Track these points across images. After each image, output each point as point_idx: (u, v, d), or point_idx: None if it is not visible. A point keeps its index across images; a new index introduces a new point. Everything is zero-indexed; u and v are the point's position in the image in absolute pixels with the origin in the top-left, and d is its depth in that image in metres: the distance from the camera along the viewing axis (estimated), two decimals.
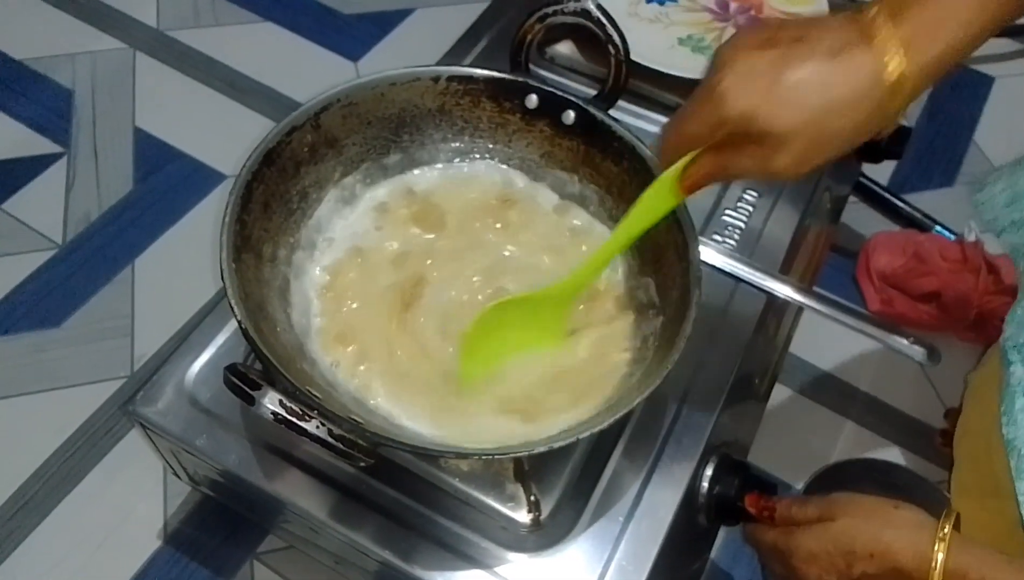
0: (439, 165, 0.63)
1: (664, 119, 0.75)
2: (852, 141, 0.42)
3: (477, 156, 0.63)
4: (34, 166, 0.97)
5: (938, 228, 0.96)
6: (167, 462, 0.64)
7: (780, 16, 0.75)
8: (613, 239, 0.52)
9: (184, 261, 0.90)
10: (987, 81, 1.14)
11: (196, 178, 0.97)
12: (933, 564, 0.47)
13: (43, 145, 0.99)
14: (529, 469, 0.55)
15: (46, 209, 0.94)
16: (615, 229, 0.52)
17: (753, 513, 0.57)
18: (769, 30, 0.42)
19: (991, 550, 0.49)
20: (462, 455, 0.52)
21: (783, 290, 0.64)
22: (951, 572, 0.47)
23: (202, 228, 0.93)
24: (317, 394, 0.47)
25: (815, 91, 0.40)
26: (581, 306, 0.57)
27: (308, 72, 1.07)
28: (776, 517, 0.56)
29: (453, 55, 0.78)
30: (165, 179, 0.97)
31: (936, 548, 0.47)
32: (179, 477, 0.67)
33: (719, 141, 0.43)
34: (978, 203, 0.67)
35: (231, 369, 0.45)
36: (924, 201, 0.99)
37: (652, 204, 0.49)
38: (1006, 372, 0.61)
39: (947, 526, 0.48)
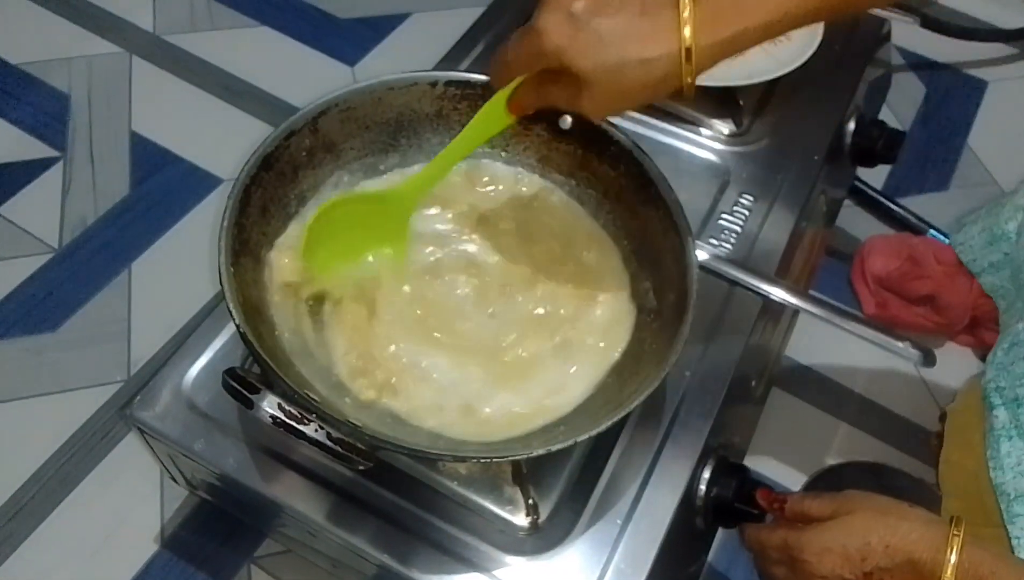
0: None
1: (661, 124, 0.76)
2: (647, 97, 0.46)
3: (474, 160, 0.63)
4: (30, 170, 0.97)
5: (932, 232, 0.96)
6: (164, 466, 0.64)
7: None
8: (450, 149, 0.55)
9: (180, 265, 0.90)
10: (981, 85, 1.15)
11: (192, 182, 0.97)
12: (948, 556, 0.47)
13: (39, 149, 0.99)
14: (527, 472, 0.55)
15: (42, 213, 0.93)
16: (454, 140, 0.55)
17: (763, 507, 0.57)
18: None
19: (998, 551, 0.49)
20: (460, 458, 0.53)
21: (779, 293, 0.65)
22: (964, 565, 0.47)
23: (198, 232, 0.93)
24: (315, 397, 0.47)
25: (615, 43, 0.44)
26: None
27: (304, 76, 1.07)
28: (787, 511, 0.56)
29: (449, 60, 0.78)
30: (161, 183, 0.97)
31: (950, 542, 0.47)
32: (176, 481, 0.67)
33: (540, 72, 0.48)
34: (957, 244, 0.68)
35: (229, 373, 0.45)
36: (918, 205, 1.00)
37: (486, 121, 0.53)
38: (989, 415, 0.61)
39: (960, 526, 0.48)
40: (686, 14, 0.43)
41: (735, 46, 0.44)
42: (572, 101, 0.47)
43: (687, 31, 0.43)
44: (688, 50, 0.43)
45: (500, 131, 0.54)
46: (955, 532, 0.48)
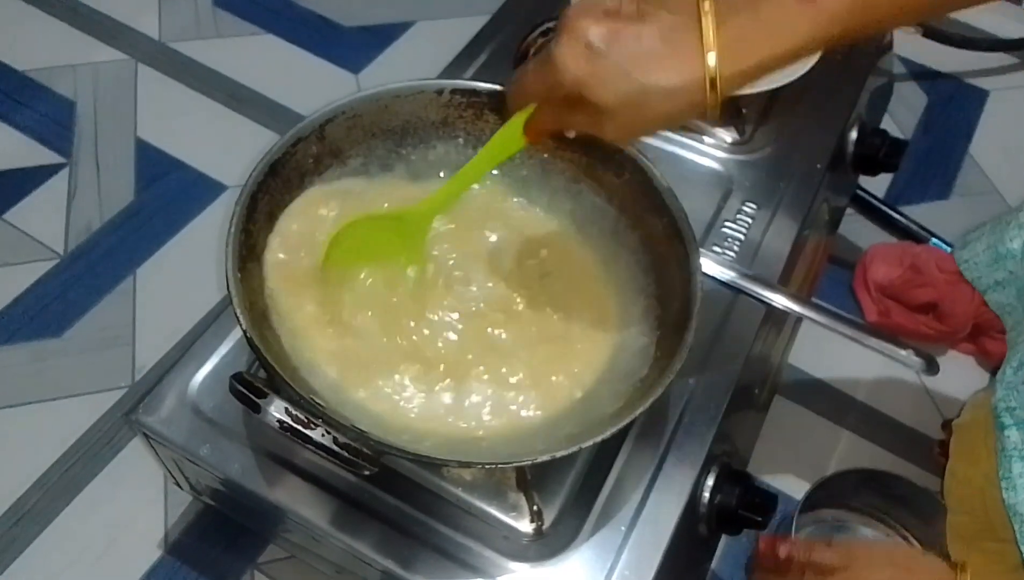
0: (441, 175, 0.63)
1: (664, 132, 0.76)
2: (671, 122, 0.45)
3: None
4: (36, 176, 0.97)
5: (934, 240, 0.97)
6: (169, 472, 0.64)
7: None
8: (464, 172, 0.55)
9: (185, 271, 0.91)
10: (982, 95, 1.15)
11: (197, 189, 0.97)
12: None
13: (45, 156, 0.99)
14: (532, 478, 0.55)
15: (48, 219, 0.94)
16: (468, 163, 0.55)
17: (768, 558, 0.56)
18: None
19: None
20: (465, 464, 0.53)
21: (782, 301, 0.65)
22: None
23: (203, 238, 0.93)
24: (321, 402, 0.47)
25: (636, 73, 0.42)
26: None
27: (309, 84, 1.08)
28: (794, 563, 0.55)
29: (454, 68, 0.79)
30: (166, 189, 0.97)
31: None
32: (180, 487, 0.67)
33: (558, 98, 0.46)
34: (961, 261, 0.68)
35: (237, 377, 0.46)
36: (920, 213, 1.00)
37: (501, 145, 0.53)
38: (1000, 435, 0.61)
39: (965, 574, 0.48)
40: (710, 39, 0.41)
41: (760, 71, 0.43)
42: (593, 128, 0.46)
43: (711, 58, 0.41)
44: (712, 80, 0.42)
45: (512, 154, 0.53)
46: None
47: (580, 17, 0.43)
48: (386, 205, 0.60)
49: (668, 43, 0.42)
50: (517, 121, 0.51)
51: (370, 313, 0.56)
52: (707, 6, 0.42)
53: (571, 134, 0.56)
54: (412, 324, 0.56)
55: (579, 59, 0.43)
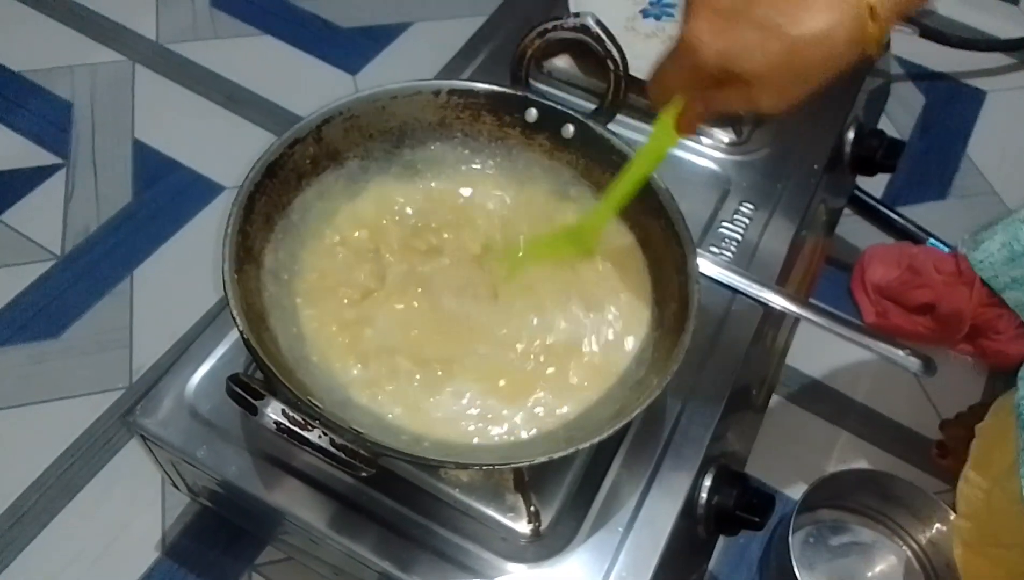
0: (434, 181, 0.63)
1: None
2: (829, 73, 0.40)
3: (477, 167, 0.63)
4: (33, 177, 0.97)
5: (932, 241, 0.97)
6: (166, 473, 0.64)
7: None
8: (625, 179, 0.54)
9: (182, 272, 0.91)
10: (979, 95, 1.16)
11: (195, 190, 0.97)
12: None
13: (42, 157, 0.99)
14: (529, 480, 0.55)
15: (45, 220, 0.94)
16: (625, 171, 0.54)
17: None
18: None
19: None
20: (462, 465, 0.53)
21: (780, 302, 0.65)
22: None
23: (201, 240, 0.93)
24: (318, 404, 0.47)
25: (785, 24, 0.38)
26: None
27: (307, 85, 1.08)
28: None
29: (451, 69, 0.79)
30: (164, 191, 0.97)
31: None
32: (178, 488, 0.67)
33: (704, 80, 0.42)
34: (976, 262, 0.67)
35: (234, 379, 0.46)
36: (918, 214, 1.00)
37: (657, 146, 0.52)
38: (1021, 433, 0.61)
39: None
40: None
41: None
42: (749, 103, 0.41)
43: None
44: (872, 6, 0.37)
45: (668, 152, 0.52)
46: None
47: None
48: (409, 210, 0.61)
49: None
50: (666, 119, 0.48)
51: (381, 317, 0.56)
52: None
53: (568, 134, 0.56)
54: (409, 328, 0.56)
55: (717, 30, 0.39)
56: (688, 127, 0.48)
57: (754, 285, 0.65)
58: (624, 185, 0.54)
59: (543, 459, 0.46)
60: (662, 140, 0.51)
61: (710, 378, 0.62)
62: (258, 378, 0.52)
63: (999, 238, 0.70)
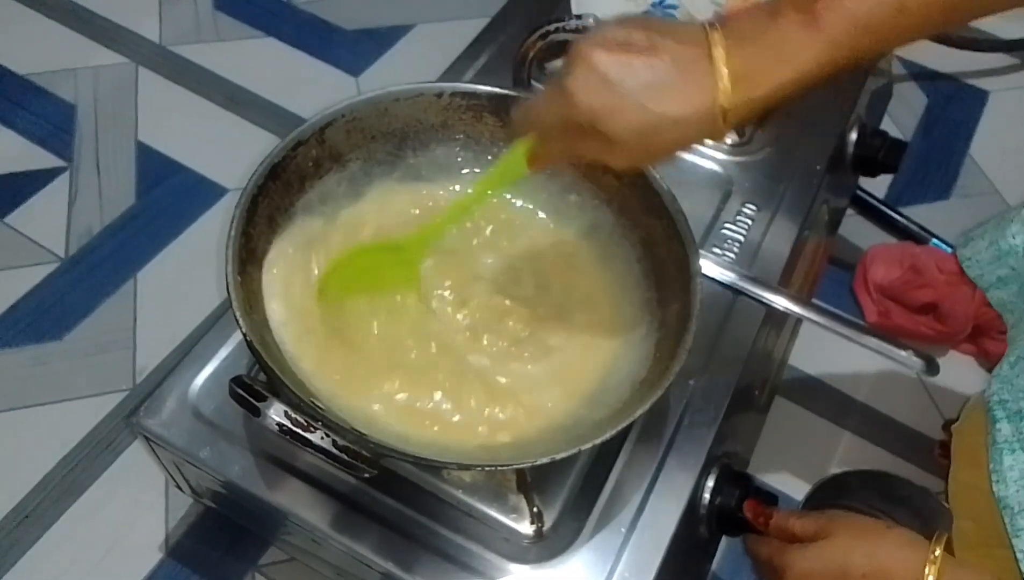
0: (441, 190, 0.63)
1: None
2: (678, 150, 0.45)
3: (479, 170, 0.64)
4: (37, 180, 0.97)
5: (934, 241, 0.97)
6: (169, 474, 0.64)
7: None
8: (463, 201, 0.55)
9: (186, 274, 0.91)
10: (982, 95, 1.16)
11: (198, 192, 0.97)
12: (926, 579, 0.47)
13: (46, 159, 0.99)
14: (532, 480, 0.55)
15: (48, 222, 0.94)
16: (469, 192, 0.55)
17: (749, 519, 0.57)
18: (627, 29, 0.43)
19: (980, 572, 0.49)
20: (464, 466, 0.53)
21: (782, 302, 0.65)
22: None
23: (204, 241, 0.93)
24: (321, 405, 0.47)
25: (651, 104, 0.42)
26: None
27: (309, 87, 1.08)
28: (771, 527, 0.56)
29: (454, 71, 0.79)
30: (167, 193, 0.97)
31: (927, 569, 0.48)
32: (181, 489, 0.67)
33: (569, 128, 0.45)
34: (963, 258, 0.68)
35: (236, 381, 0.46)
36: (920, 214, 1.00)
37: (503, 173, 0.52)
38: (992, 429, 0.61)
39: (938, 548, 0.49)
40: (721, 69, 0.41)
41: (771, 99, 0.42)
42: (603, 157, 0.45)
43: (723, 87, 0.41)
44: (724, 110, 0.42)
45: (512, 183, 0.53)
46: (932, 557, 0.48)
47: (593, 49, 0.42)
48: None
49: (680, 73, 0.42)
50: (520, 150, 0.49)
51: (373, 324, 0.56)
52: (716, 37, 0.42)
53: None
54: (410, 330, 0.56)
55: (593, 91, 0.42)
56: (540, 163, 0.50)
57: (756, 286, 0.65)
58: (456, 209, 0.55)
59: (546, 460, 0.46)
60: (511, 169, 0.50)
61: (713, 378, 0.62)
62: (261, 380, 0.52)
63: (988, 237, 0.70)
